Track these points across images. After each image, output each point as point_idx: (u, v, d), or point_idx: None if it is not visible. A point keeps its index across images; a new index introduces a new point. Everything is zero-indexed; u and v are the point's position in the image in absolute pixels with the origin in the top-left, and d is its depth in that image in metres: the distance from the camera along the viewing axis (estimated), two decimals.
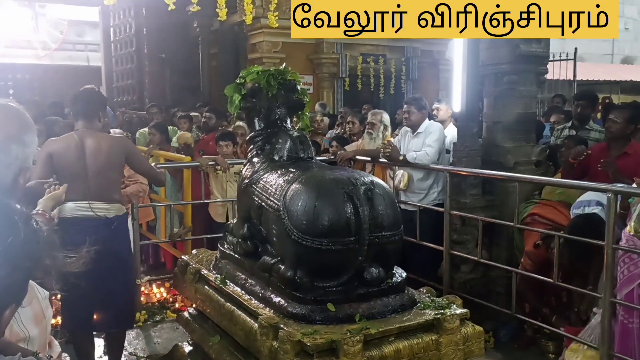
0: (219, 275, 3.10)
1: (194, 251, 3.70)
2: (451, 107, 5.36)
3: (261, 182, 2.91)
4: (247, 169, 3.17)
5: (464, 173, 4.35)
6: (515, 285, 3.96)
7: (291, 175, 2.74)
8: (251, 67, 3.33)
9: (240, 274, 2.97)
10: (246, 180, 3.07)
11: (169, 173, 5.54)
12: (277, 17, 4.69)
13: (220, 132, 5.31)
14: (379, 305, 2.54)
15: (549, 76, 5.86)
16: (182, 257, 3.60)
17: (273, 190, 2.74)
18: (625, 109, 4.32)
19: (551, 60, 5.99)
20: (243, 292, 2.84)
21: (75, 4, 12.71)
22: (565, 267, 3.61)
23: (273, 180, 2.82)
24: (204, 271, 3.24)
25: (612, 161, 3.89)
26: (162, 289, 5.13)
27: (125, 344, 4.09)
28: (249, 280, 2.87)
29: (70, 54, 17.70)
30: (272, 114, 3.20)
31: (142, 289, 4.85)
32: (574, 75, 10.31)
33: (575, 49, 10.27)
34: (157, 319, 4.65)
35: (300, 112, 3.37)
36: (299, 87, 3.30)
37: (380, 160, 4.98)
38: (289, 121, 3.27)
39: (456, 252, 4.41)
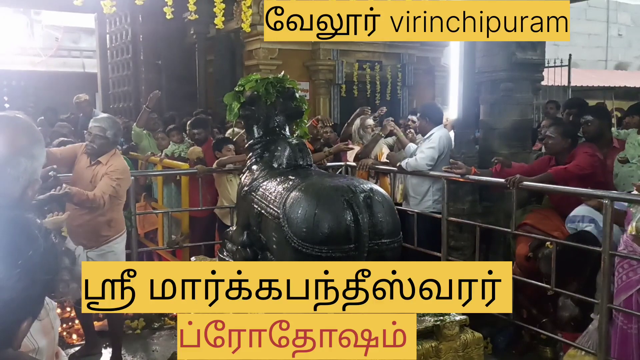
0: None
1: (193, 258, 3.70)
2: (447, 115, 5.42)
3: (260, 189, 2.92)
4: (246, 176, 3.18)
5: (461, 180, 4.37)
6: (511, 291, 3.98)
7: (290, 182, 2.75)
8: (250, 75, 3.34)
9: None
10: (245, 188, 3.08)
11: (172, 181, 5.57)
12: None
13: (218, 140, 5.31)
14: None
15: (543, 82, 5.91)
16: None
17: (272, 198, 2.76)
18: (560, 124, 4.40)
19: (546, 67, 6.04)
20: None
21: (70, 11, 12.70)
22: (555, 279, 3.64)
23: (272, 187, 2.83)
24: None
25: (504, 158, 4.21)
26: None
27: (123, 351, 4.10)
28: None
29: (65, 60, 17.68)
30: (270, 122, 3.22)
31: None
32: (569, 82, 10.39)
33: (570, 55, 10.36)
34: (156, 326, 4.64)
35: (298, 120, 3.39)
36: (297, 95, 3.32)
37: (381, 167, 5.01)
38: (287, 129, 3.29)
39: (454, 259, 4.43)
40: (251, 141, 3.27)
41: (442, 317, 2.59)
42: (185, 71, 10.59)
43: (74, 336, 4.36)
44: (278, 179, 2.87)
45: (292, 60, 9.01)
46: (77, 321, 4.53)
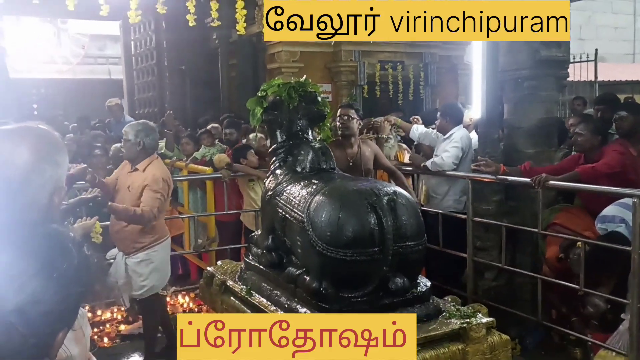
0: (244, 287, 3.14)
1: (219, 262, 3.75)
2: (470, 114, 5.37)
3: (284, 194, 2.95)
4: (270, 180, 3.21)
5: (485, 179, 4.33)
6: (540, 292, 3.94)
7: (314, 186, 2.77)
8: (272, 80, 3.37)
9: (266, 285, 3.00)
10: (269, 192, 3.11)
11: (197, 186, 5.63)
12: None
13: (238, 148, 5.36)
14: None
15: (569, 78, 5.82)
16: (208, 268, 3.66)
17: (297, 202, 2.78)
18: (589, 121, 4.31)
19: (571, 62, 5.94)
20: (269, 302, 2.87)
21: (96, 19, 12.94)
22: (586, 279, 3.59)
23: (296, 192, 2.85)
24: (230, 282, 3.28)
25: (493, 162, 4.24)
26: (187, 299, 5.19)
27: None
28: (275, 291, 2.90)
29: (92, 67, 18.03)
30: (293, 126, 3.24)
31: (168, 299, 4.91)
32: (595, 77, 10.20)
33: (596, 50, 10.17)
34: None
35: (321, 124, 3.41)
36: (319, 98, 3.34)
37: (404, 168, 5.00)
38: (310, 132, 3.31)
39: (480, 259, 4.40)
40: (274, 145, 3.30)
41: (468, 320, 2.58)
42: (209, 76, 10.71)
43: (105, 340, 4.44)
44: (302, 183, 2.89)
45: (314, 62, 9.03)
46: (107, 325, 4.62)
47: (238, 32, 4.55)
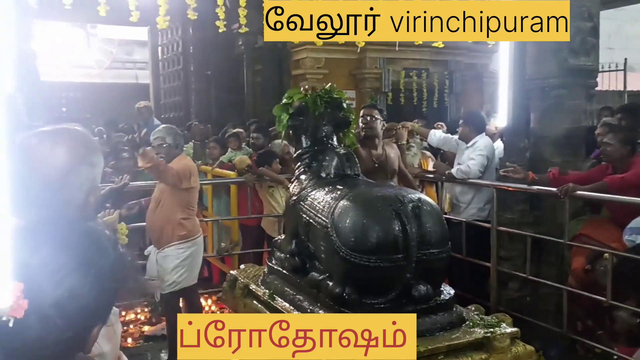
0: (267, 291, 3.16)
1: (242, 266, 3.77)
2: (496, 122, 5.35)
3: (309, 199, 2.96)
4: (294, 186, 3.23)
5: (511, 189, 4.29)
6: (565, 303, 3.88)
7: (338, 192, 2.78)
8: (296, 88, 3.40)
9: (289, 290, 3.01)
10: (294, 197, 3.12)
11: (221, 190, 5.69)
12: None
13: (262, 154, 5.41)
14: (428, 323, 2.54)
15: (597, 88, 5.74)
16: (231, 272, 3.69)
17: (321, 207, 2.79)
18: (618, 131, 4.23)
19: (600, 71, 5.86)
20: (291, 307, 2.88)
21: (125, 25, 13.17)
22: (613, 291, 3.52)
23: (320, 197, 2.86)
24: (253, 286, 3.30)
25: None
26: (209, 302, 5.24)
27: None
28: (297, 296, 2.91)
29: (119, 72, 18.35)
30: (318, 132, 3.26)
31: None
32: (624, 86, 10.05)
33: (625, 59, 10.02)
34: None
35: (346, 130, 3.42)
36: (344, 105, 3.35)
37: (428, 175, 4.99)
38: (335, 138, 3.32)
39: (504, 269, 4.35)
40: (299, 151, 3.32)
41: (492, 329, 2.56)
42: (234, 81, 10.82)
43: (129, 340, 4.50)
44: (326, 189, 2.91)
45: (339, 69, 9.06)
46: (131, 325, 4.68)
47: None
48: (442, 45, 4.74)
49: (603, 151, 4.20)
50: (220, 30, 4.32)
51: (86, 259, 0.92)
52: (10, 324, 0.81)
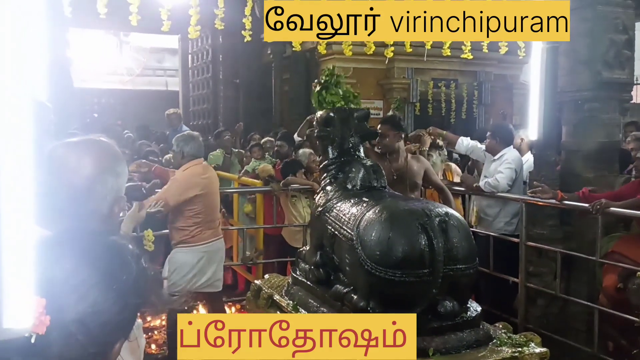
0: (291, 302, 3.14)
1: (266, 276, 3.76)
2: (522, 134, 5.26)
3: (334, 210, 2.94)
4: (320, 197, 3.21)
5: (540, 203, 4.20)
6: (597, 323, 3.77)
7: (364, 204, 2.75)
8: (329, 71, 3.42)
9: (312, 302, 2.99)
10: (319, 209, 3.10)
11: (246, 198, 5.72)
12: (350, 47, 4.76)
13: (288, 162, 5.41)
14: (453, 340, 2.49)
15: (633, 101, 5.61)
16: (255, 281, 3.68)
17: (346, 220, 2.76)
18: None
19: (635, 84, 5.74)
20: None
21: (157, 33, 13.41)
22: None
23: (346, 209, 2.84)
24: (276, 297, 3.28)
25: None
26: (233, 310, 5.24)
27: None
28: (321, 308, 2.88)
29: (150, 79, 18.66)
30: (345, 143, 3.24)
31: None
32: None
33: None
34: None
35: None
36: (342, 85, 3.37)
37: (454, 188, 4.92)
38: (362, 150, 3.30)
39: (532, 285, 4.26)
40: (325, 162, 3.30)
41: (520, 349, 2.49)
42: (262, 89, 10.89)
43: (153, 346, 4.53)
44: (352, 201, 2.88)
45: (367, 79, 9.06)
46: (156, 332, 4.71)
47: (293, 48, 4.61)
48: (470, 57, 4.66)
49: (636, 166, 4.10)
50: (246, 40, 4.35)
51: (109, 274, 0.91)
52: (33, 341, 0.80)
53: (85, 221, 1.25)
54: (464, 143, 5.04)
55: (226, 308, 5.27)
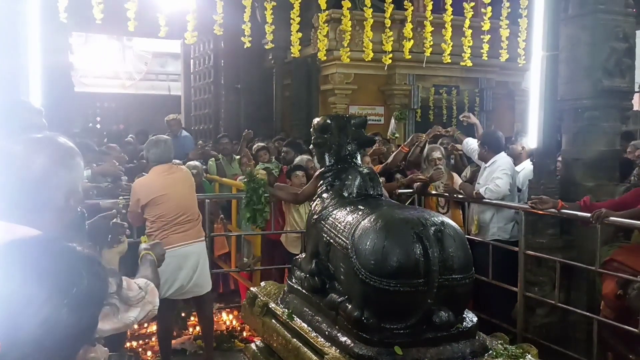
0: (286, 310, 3.11)
1: (262, 284, 3.73)
2: (523, 142, 5.25)
3: (330, 218, 2.91)
4: (316, 204, 3.19)
5: (540, 212, 4.17)
6: (596, 332, 3.73)
7: (360, 213, 2.73)
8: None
9: (307, 310, 2.96)
10: (315, 216, 3.08)
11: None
12: (348, 54, 4.75)
13: (292, 166, 5.41)
14: (448, 351, 2.46)
15: (633, 109, 5.57)
16: (251, 288, 3.65)
17: (342, 228, 2.74)
18: None
19: (636, 92, 5.70)
20: (310, 328, 2.83)
21: (159, 38, 13.46)
22: None
23: (342, 217, 2.82)
24: (272, 305, 3.26)
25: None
26: (231, 317, 5.21)
27: None
28: (316, 317, 2.86)
29: (153, 83, 18.70)
30: (342, 150, 3.23)
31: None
32: None
33: None
34: (225, 347, 4.71)
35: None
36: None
37: (454, 197, 4.91)
38: (359, 157, 3.28)
39: (531, 294, 4.22)
40: (322, 169, 3.29)
41: None
42: (263, 95, 10.90)
43: (149, 353, 4.50)
44: (348, 209, 2.86)
45: (368, 85, 9.05)
46: (153, 338, 4.68)
47: (292, 55, 4.60)
48: (470, 64, 4.65)
49: (638, 175, 4.07)
50: (245, 46, 4.35)
51: (58, 289, 0.87)
52: None
53: (41, 212, 1.32)
54: (469, 144, 5.19)
55: (224, 315, 5.24)
